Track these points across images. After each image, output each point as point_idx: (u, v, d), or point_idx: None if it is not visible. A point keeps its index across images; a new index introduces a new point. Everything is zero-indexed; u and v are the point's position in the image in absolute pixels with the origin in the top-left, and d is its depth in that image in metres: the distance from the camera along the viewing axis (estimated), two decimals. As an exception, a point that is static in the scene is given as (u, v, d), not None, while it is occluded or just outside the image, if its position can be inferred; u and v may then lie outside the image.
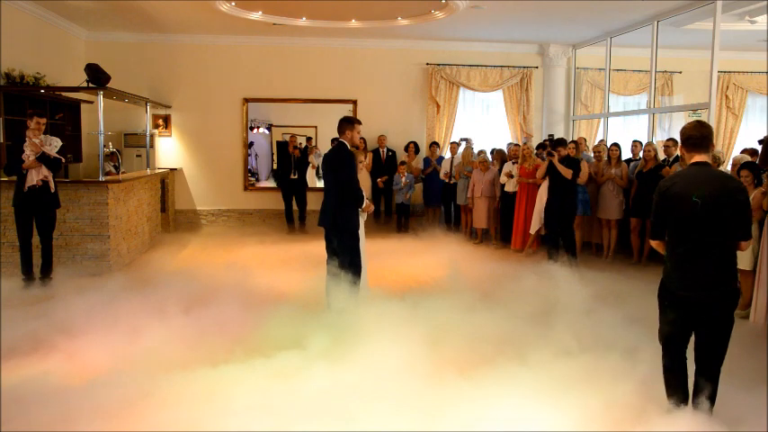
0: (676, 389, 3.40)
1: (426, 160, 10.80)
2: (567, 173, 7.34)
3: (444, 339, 4.44)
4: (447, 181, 10.20)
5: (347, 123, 5.46)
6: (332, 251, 5.49)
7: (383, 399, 3.55)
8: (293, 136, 10.99)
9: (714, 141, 3.50)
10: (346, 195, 5.29)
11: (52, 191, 6.44)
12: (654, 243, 3.59)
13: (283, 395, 3.65)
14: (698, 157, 3.38)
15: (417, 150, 10.87)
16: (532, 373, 3.88)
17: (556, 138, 8.56)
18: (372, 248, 6.06)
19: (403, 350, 4.08)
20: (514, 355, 4.17)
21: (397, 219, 10.60)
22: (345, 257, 5.34)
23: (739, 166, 6.30)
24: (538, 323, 4.90)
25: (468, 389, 3.71)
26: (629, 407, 3.53)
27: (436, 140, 11.06)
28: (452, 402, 3.57)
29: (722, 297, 3.28)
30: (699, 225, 3.26)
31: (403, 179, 10.25)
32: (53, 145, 6.43)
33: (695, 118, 10.50)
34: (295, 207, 10.87)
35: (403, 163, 10.44)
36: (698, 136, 3.36)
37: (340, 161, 5.33)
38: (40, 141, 6.32)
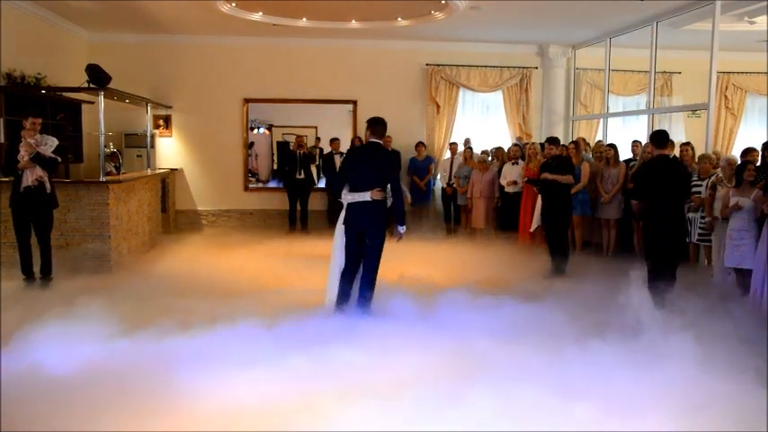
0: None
1: (413, 161, 10.78)
2: (566, 178, 7.15)
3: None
4: (445, 186, 10.29)
5: (383, 126, 5.52)
6: (358, 248, 5.39)
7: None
8: (300, 137, 11.00)
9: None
10: (395, 197, 5.36)
11: (48, 191, 6.40)
12: (634, 203, 6.25)
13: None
14: (662, 151, 5.91)
15: None
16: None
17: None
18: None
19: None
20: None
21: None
22: (376, 257, 5.36)
23: (744, 161, 6.36)
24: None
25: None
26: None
27: (422, 141, 11.02)
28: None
29: (672, 229, 5.82)
30: (662, 191, 5.77)
31: None
32: (48, 144, 6.38)
33: (694, 118, 10.63)
34: (299, 207, 10.86)
35: None
36: (661, 139, 5.96)
37: (392, 163, 5.47)
38: (35, 141, 6.31)
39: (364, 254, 5.40)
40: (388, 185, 5.42)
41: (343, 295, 5.42)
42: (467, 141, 10.52)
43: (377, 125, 5.50)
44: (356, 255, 5.42)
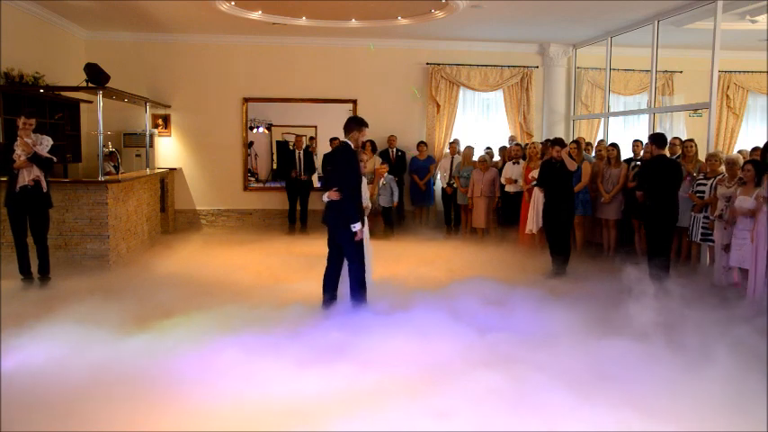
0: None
1: (414, 160, 10.75)
2: (572, 165, 7.13)
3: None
4: (445, 185, 10.30)
5: (355, 124, 5.39)
6: (334, 247, 5.50)
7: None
8: (299, 137, 10.95)
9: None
10: (348, 195, 5.26)
11: (44, 191, 6.38)
12: (639, 194, 7.02)
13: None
14: (660, 152, 6.73)
15: (375, 149, 10.53)
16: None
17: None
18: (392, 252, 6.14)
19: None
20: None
21: (384, 222, 10.16)
22: (352, 255, 5.36)
23: (744, 161, 6.33)
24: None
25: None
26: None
27: (424, 140, 11.00)
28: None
29: (663, 218, 6.63)
30: (659, 188, 6.61)
31: (381, 181, 9.81)
32: (44, 144, 6.37)
33: (696, 118, 10.60)
34: (298, 207, 10.81)
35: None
36: (662, 141, 6.80)
37: (345, 161, 5.31)
38: (32, 141, 6.29)
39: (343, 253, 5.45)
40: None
41: (325, 292, 5.49)
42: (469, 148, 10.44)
43: (346, 125, 5.44)
44: (337, 253, 5.49)
